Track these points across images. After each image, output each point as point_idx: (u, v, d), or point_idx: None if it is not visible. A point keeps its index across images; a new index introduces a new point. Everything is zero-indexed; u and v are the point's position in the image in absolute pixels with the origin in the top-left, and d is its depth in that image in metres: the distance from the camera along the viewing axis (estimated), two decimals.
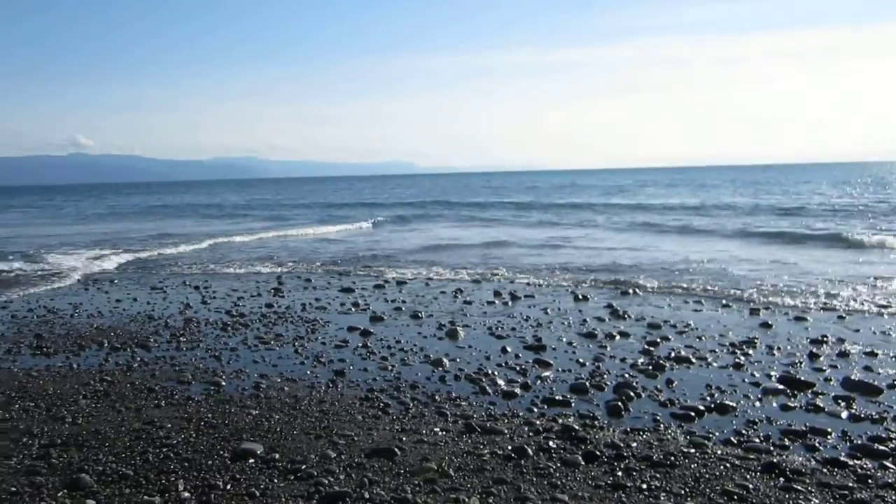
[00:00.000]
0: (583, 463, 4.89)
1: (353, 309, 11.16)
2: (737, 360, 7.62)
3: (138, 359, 8.11)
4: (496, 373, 7.26)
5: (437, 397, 6.46)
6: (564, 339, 8.76)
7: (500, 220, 33.05)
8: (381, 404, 6.25)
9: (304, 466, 4.85)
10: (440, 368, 7.46)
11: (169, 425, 5.73)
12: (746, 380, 6.98)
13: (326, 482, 4.58)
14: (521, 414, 6.02)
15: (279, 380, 7.13)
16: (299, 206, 51.43)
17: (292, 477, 4.71)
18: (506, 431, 5.54)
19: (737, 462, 4.92)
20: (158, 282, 14.97)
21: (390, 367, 7.54)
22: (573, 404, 6.30)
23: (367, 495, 4.38)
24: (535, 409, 6.15)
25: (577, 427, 5.58)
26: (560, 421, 5.79)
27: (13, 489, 4.60)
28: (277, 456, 5.03)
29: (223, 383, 6.99)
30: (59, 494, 4.51)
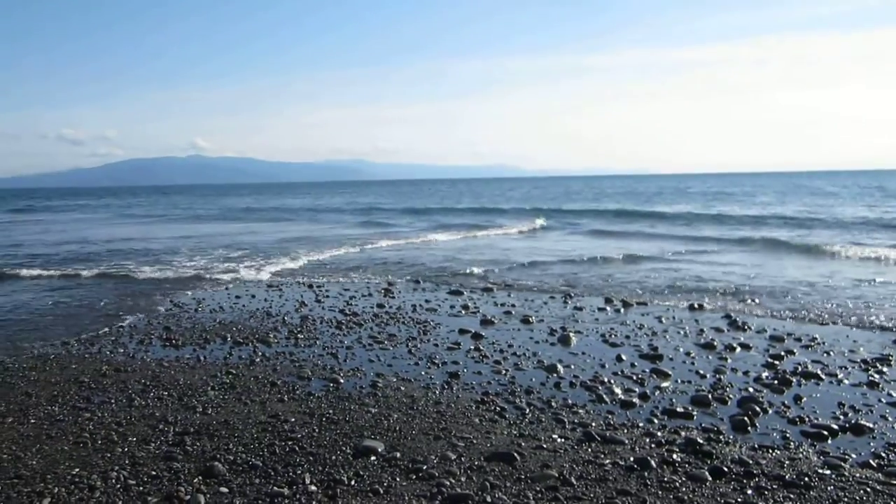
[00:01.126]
0: (710, 478, 4.72)
1: (462, 311, 11.21)
2: (871, 378, 7.17)
3: (260, 353, 8.43)
4: (612, 381, 7.12)
5: (553, 403, 6.39)
6: (682, 349, 8.50)
7: (604, 230, 30.19)
8: (497, 408, 6.24)
9: (424, 467, 4.90)
10: (554, 374, 7.39)
11: (293, 419, 5.92)
12: (883, 399, 6.56)
13: (448, 483, 4.61)
14: (640, 424, 5.87)
15: (395, 379, 7.24)
16: (405, 212, 51.48)
17: (414, 476, 4.76)
18: (626, 442, 5.42)
19: (878, 487, 4.63)
20: (274, 279, 15.53)
21: (504, 371, 7.52)
22: (695, 417, 6.09)
23: (489, 499, 4.38)
24: (656, 420, 5.99)
25: (701, 441, 5.39)
26: (682, 433, 5.61)
27: (153, 473, 4.86)
28: (398, 455, 5.11)
29: (341, 381, 7.16)
30: (195, 481, 4.73)
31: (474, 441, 5.41)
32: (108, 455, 5.20)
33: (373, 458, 5.09)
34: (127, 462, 5.05)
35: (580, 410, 6.22)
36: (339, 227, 34.64)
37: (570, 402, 6.46)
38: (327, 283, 14.97)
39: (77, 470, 4.93)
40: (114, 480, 4.75)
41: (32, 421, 6.03)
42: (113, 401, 6.58)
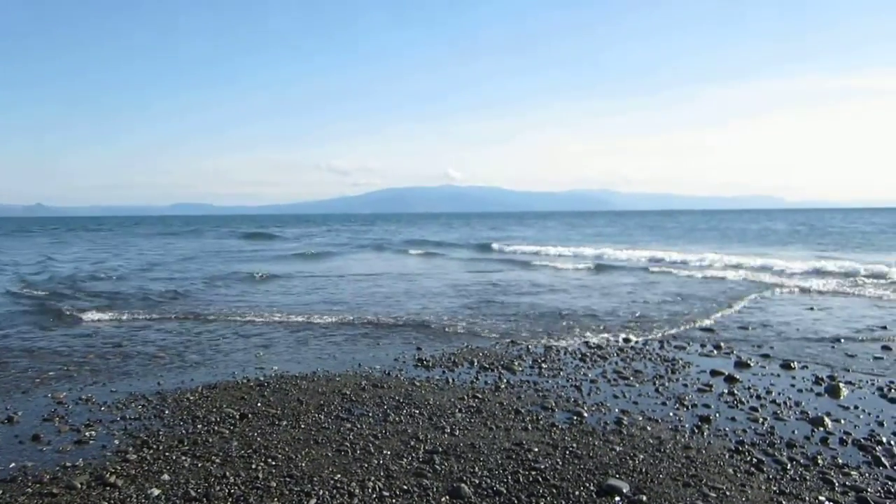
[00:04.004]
0: None
1: (714, 351, 10.57)
2: None
3: (505, 380, 8.58)
4: (893, 442, 6.29)
5: (819, 461, 5.77)
6: None
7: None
8: (754, 460, 5.77)
9: None
10: (821, 428, 6.69)
11: (536, 449, 5.94)
12: None
13: None
14: None
15: (640, 418, 6.99)
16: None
17: None
18: None
19: None
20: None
21: (761, 420, 6.95)
22: None
23: None
24: None
25: None
26: None
27: (404, 487, 5.12)
28: (644, 498, 4.91)
29: (585, 414, 7.07)
30: (443, 500, 4.91)
31: (728, 493, 5.05)
32: (366, 465, 5.57)
33: (617, 498, 4.95)
34: (382, 474, 5.38)
35: (853, 472, 5.56)
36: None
37: (839, 461, 5.80)
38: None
39: (339, 476, 5.34)
40: (370, 490, 5.08)
41: (302, 426, 6.66)
42: (370, 414, 7.06)
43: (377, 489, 5.08)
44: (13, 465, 5.64)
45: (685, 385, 8.40)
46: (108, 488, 5.10)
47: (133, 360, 9.92)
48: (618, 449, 5.98)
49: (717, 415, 7.12)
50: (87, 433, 6.46)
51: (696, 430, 6.59)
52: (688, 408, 7.40)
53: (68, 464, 5.64)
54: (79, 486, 5.14)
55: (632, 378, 8.70)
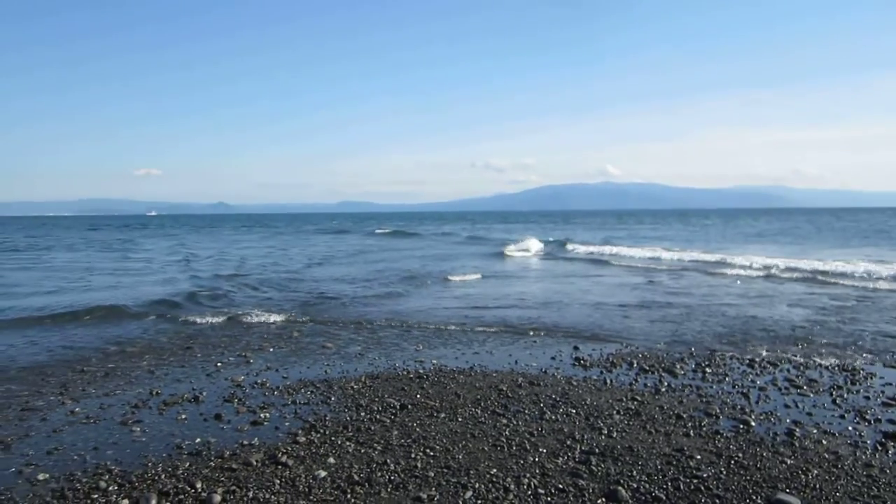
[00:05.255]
0: None
1: None
2: None
3: (665, 383, 8.30)
4: None
5: None
6: None
7: None
8: None
9: None
10: None
11: (698, 456, 5.70)
12: None
13: None
14: None
15: (815, 431, 6.53)
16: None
17: None
18: None
19: None
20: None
21: None
22: None
23: None
24: None
25: None
26: None
27: (560, 486, 5.09)
28: None
29: (752, 423, 6.70)
30: (599, 502, 4.83)
31: None
32: (521, 462, 5.59)
33: None
34: (537, 471, 5.37)
35: None
36: None
37: None
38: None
39: (494, 470, 5.39)
40: (525, 486, 5.09)
41: (460, 419, 6.78)
42: (526, 411, 7.07)
43: (532, 486, 5.08)
44: (199, 440, 6.16)
45: (867, 398, 7.74)
46: (279, 467, 5.45)
47: (302, 349, 10.53)
48: (789, 462, 5.62)
49: None
50: (261, 415, 6.93)
51: (880, 448, 6.06)
52: (870, 422, 6.82)
53: (245, 442, 6.09)
54: (254, 463, 5.53)
55: (805, 387, 8.13)
